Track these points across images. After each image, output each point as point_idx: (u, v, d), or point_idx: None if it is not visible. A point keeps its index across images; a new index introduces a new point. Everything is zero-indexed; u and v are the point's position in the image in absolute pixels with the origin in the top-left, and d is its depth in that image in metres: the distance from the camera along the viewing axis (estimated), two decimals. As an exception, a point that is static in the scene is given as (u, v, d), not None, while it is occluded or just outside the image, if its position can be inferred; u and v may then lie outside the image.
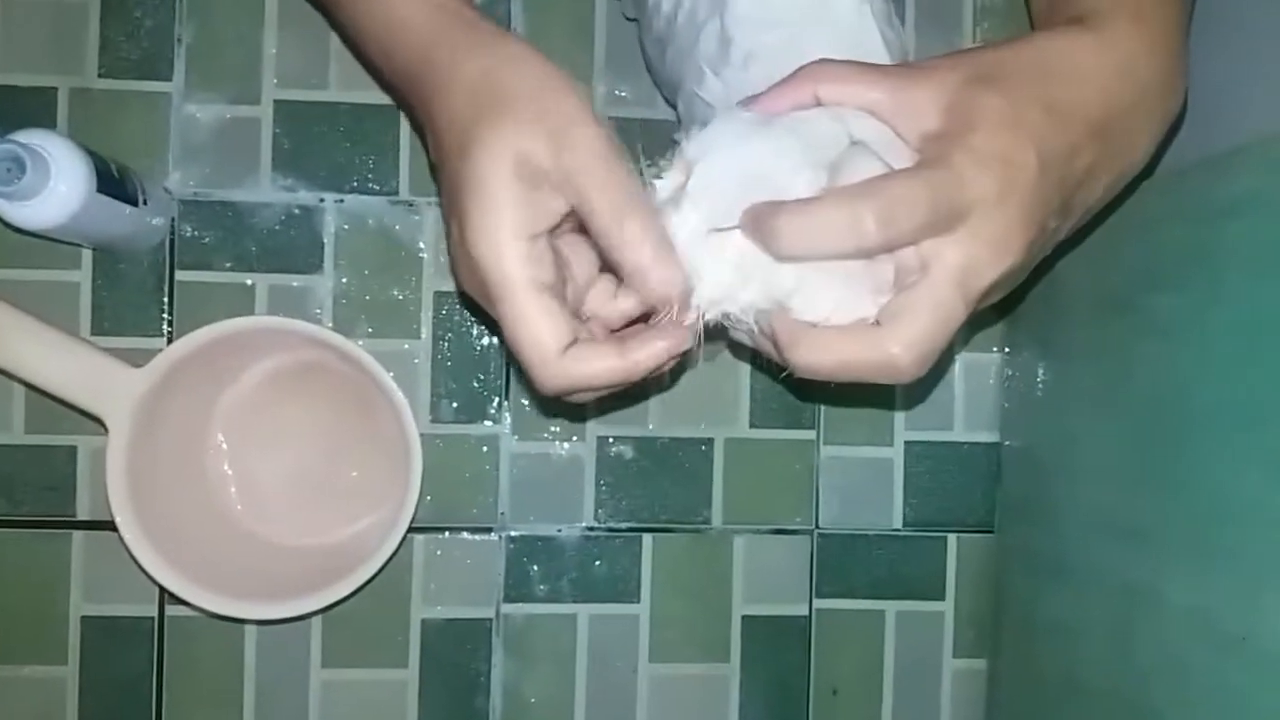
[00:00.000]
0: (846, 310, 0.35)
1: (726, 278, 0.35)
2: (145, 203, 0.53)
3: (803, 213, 0.33)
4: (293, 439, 0.58)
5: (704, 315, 0.36)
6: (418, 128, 0.38)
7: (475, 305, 0.38)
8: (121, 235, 0.54)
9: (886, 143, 0.35)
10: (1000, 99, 0.34)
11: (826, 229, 0.32)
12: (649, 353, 0.36)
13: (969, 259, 0.33)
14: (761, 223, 0.33)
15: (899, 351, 0.33)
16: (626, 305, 0.40)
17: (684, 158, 0.35)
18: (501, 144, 0.34)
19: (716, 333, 0.38)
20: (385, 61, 0.40)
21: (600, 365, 0.36)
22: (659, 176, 0.36)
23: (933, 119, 0.34)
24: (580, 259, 0.39)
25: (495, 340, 0.59)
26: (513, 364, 0.59)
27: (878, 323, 0.34)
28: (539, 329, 0.35)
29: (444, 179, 0.38)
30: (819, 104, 0.35)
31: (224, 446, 0.57)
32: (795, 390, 0.61)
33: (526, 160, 0.34)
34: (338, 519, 0.58)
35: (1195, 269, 0.43)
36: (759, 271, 0.35)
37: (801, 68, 0.36)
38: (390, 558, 0.52)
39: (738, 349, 0.59)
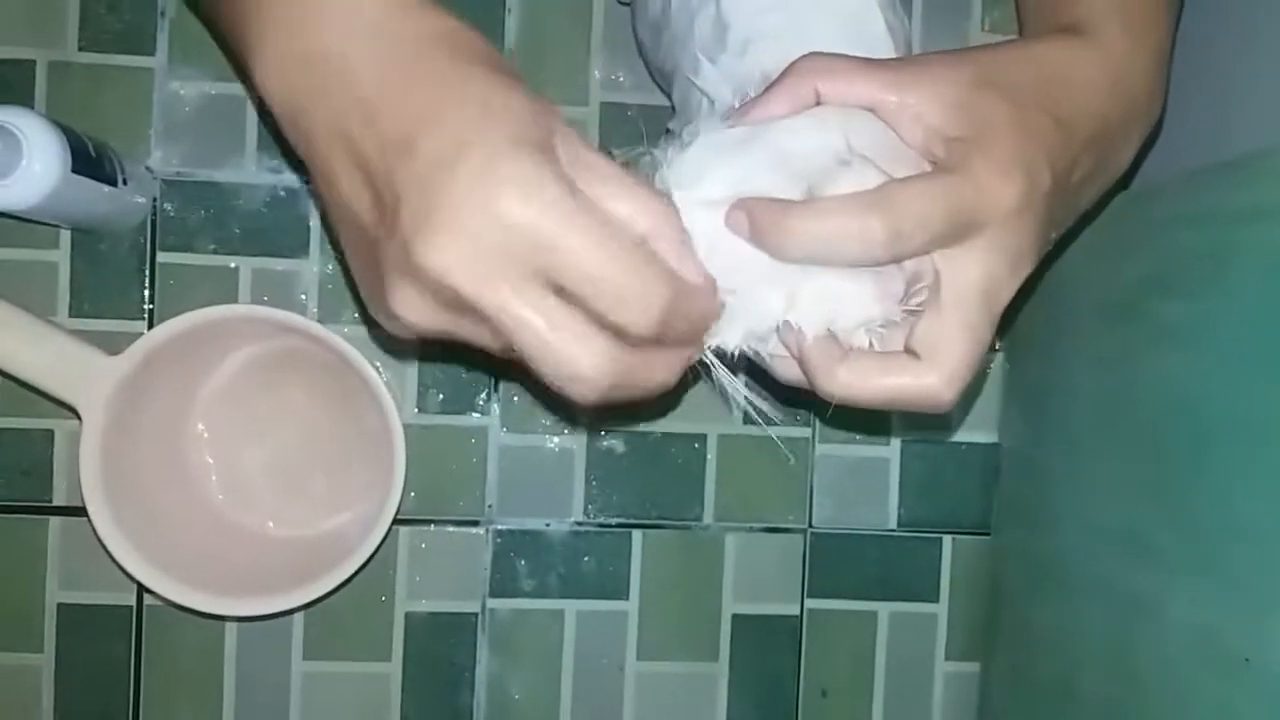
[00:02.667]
0: (850, 316, 0.33)
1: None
2: (125, 182, 0.51)
3: (816, 215, 0.31)
4: (276, 428, 0.57)
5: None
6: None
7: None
8: (100, 215, 0.52)
9: (888, 148, 0.33)
10: (1011, 106, 0.33)
11: (839, 234, 0.31)
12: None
13: (991, 275, 0.32)
14: (769, 220, 0.31)
15: (941, 383, 0.32)
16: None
17: (662, 185, 0.33)
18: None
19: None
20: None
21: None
22: None
23: (939, 119, 0.33)
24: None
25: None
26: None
27: (914, 353, 0.33)
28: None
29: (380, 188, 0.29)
30: (819, 102, 0.34)
31: (205, 435, 0.56)
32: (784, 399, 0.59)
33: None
34: (321, 510, 0.56)
35: (1208, 275, 0.41)
36: (747, 300, 0.33)
37: (794, 63, 0.34)
38: (375, 551, 0.51)
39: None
